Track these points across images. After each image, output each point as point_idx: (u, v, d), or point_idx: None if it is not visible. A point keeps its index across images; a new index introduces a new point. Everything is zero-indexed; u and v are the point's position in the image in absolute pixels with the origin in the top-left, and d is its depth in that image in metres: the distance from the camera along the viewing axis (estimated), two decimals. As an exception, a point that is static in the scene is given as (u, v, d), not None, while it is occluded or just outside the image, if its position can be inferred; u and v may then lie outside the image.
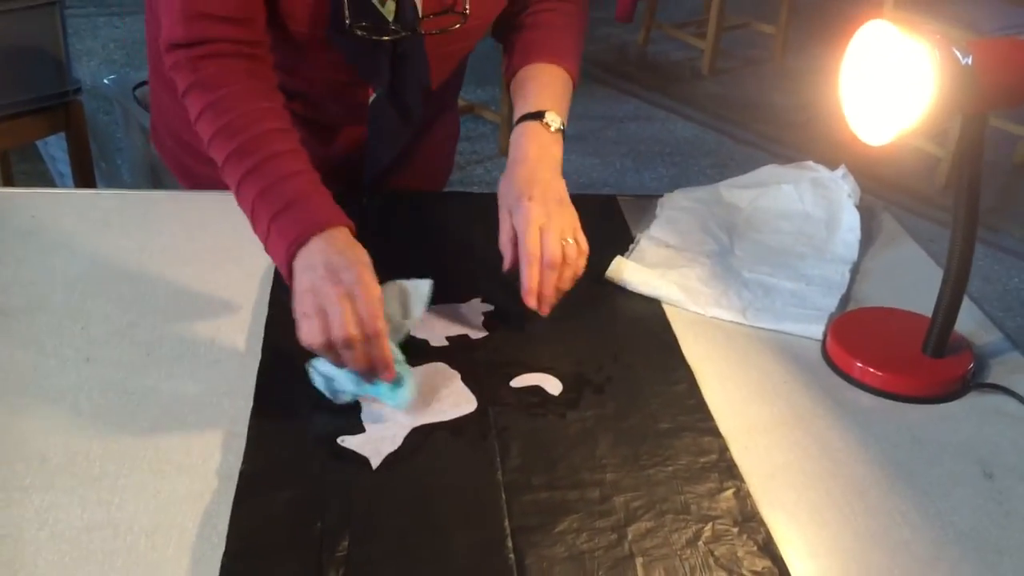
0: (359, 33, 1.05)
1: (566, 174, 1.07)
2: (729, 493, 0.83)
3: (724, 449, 0.88)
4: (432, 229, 1.22)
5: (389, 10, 1.06)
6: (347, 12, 1.03)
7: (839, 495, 0.85)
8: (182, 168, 1.30)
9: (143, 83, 2.53)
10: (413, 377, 0.90)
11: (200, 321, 1.01)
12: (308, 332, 0.86)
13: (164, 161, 1.34)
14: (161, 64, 1.24)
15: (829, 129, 3.08)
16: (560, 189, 1.04)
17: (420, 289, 0.96)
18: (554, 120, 1.08)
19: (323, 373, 0.90)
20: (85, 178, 2.30)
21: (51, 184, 2.85)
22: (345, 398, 0.90)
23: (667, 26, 4.55)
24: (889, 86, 0.89)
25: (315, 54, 1.09)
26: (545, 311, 1.00)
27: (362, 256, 0.90)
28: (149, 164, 2.48)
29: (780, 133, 3.81)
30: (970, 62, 0.85)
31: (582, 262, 1.01)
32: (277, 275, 1.07)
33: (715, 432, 0.90)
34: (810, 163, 1.35)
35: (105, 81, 2.72)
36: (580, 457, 0.86)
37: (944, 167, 3.41)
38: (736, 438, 0.90)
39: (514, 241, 1.01)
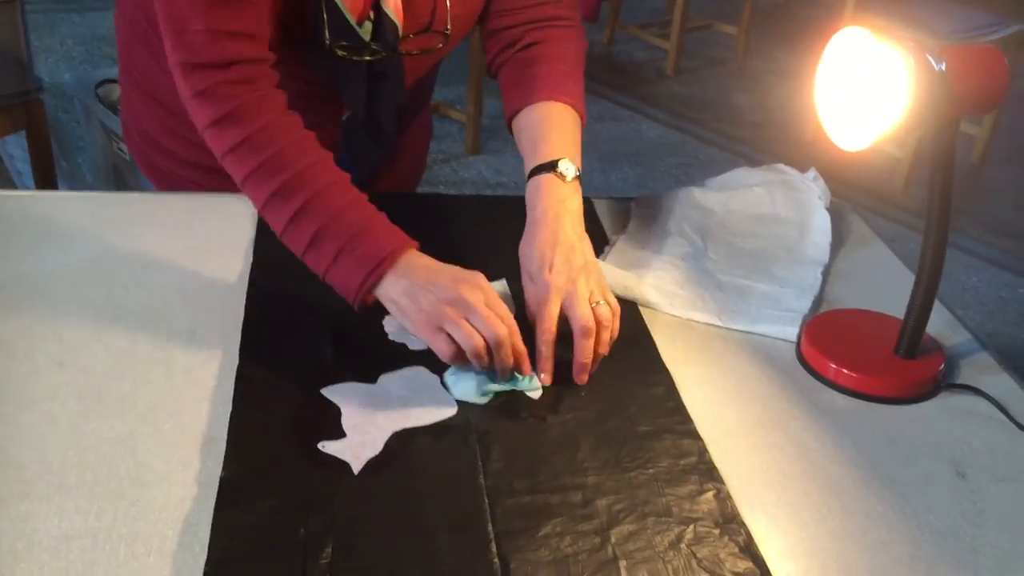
0: (339, 53, 1.03)
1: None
2: (710, 495, 0.84)
3: (703, 451, 0.89)
4: (405, 231, 1.21)
5: (366, 31, 1.05)
6: (326, 32, 1.01)
7: (817, 496, 0.86)
8: (152, 168, 1.28)
9: (105, 81, 2.50)
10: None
11: (175, 325, 1.00)
12: (459, 341, 0.89)
13: (135, 160, 1.32)
14: (133, 65, 1.22)
15: (789, 129, 3.12)
16: (584, 251, 1.00)
17: (504, 290, 1.02)
18: (568, 169, 1.03)
19: (462, 378, 0.93)
20: (46, 177, 2.27)
21: (9, 183, 2.80)
22: (489, 395, 0.93)
23: (631, 27, 4.58)
24: (864, 92, 0.90)
25: (286, 67, 1.07)
26: (584, 379, 0.96)
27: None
28: (111, 162, 2.45)
29: (742, 133, 3.85)
30: (944, 68, 0.87)
31: (617, 323, 0.98)
32: (252, 278, 1.06)
33: (694, 434, 0.91)
34: (780, 166, 1.36)
35: (66, 78, 2.68)
36: (562, 461, 0.87)
37: (904, 168, 3.46)
38: (715, 440, 0.91)
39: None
